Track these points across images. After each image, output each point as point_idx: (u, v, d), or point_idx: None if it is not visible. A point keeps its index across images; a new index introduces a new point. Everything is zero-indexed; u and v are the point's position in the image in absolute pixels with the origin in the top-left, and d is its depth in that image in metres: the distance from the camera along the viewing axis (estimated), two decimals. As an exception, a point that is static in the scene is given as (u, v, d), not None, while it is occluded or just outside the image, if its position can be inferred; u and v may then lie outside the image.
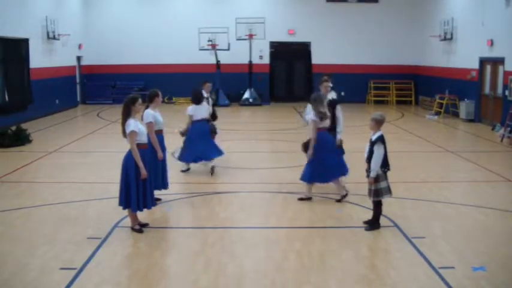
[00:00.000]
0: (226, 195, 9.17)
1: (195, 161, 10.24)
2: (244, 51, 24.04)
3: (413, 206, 8.39)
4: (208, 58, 24.22)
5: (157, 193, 8.14)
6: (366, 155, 7.22)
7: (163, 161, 8.23)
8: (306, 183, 8.55)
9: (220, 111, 22.09)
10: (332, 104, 8.84)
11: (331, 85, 9.32)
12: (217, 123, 11.34)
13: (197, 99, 9.98)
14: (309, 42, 25.53)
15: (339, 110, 9.01)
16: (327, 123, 8.30)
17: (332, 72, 12.23)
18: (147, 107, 8.14)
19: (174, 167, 10.30)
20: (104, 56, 24.95)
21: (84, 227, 7.32)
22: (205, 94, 10.61)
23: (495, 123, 16.79)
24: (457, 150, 13.25)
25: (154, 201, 7.45)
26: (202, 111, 10.04)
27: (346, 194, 8.57)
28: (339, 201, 8.51)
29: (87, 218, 7.75)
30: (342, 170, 8.56)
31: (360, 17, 25.05)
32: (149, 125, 7.93)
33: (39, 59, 19.20)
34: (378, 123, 7.13)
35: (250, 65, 24.21)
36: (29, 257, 6.25)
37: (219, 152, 10.31)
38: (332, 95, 9.24)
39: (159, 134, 8.26)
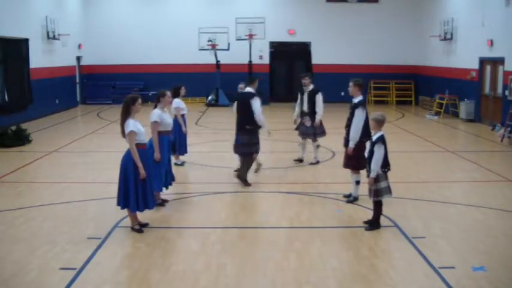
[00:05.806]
0: (226, 195, 9.17)
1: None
2: (244, 51, 24.02)
3: (413, 206, 8.38)
4: (208, 58, 24.20)
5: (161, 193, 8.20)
6: (366, 155, 7.24)
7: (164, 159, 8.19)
8: None
9: (220, 111, 22.29)
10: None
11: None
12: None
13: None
14: (309, 42, 25.52)
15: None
16: None
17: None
18: (155, 107, 8.21)
19: (175, 168, 10.23)
20: (104, 56, 24.92)
21: (84, 227, 7.32)
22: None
23: (495, 123, 16.78)
24: (457, 150, 13.24)
25: (154, 201, 7.44)
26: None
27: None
28: None
29: (87, 218, 7.75)
30: None
31: (360, 17, 25.03)
32: (153, 124, 7.96)
33: (39, 59, 19.18)
34: (379, 123, 7.14)
35: (250, 65, 24.19)
36: (29, 257, 6.25)
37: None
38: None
39: (166, 135, 8.19)
